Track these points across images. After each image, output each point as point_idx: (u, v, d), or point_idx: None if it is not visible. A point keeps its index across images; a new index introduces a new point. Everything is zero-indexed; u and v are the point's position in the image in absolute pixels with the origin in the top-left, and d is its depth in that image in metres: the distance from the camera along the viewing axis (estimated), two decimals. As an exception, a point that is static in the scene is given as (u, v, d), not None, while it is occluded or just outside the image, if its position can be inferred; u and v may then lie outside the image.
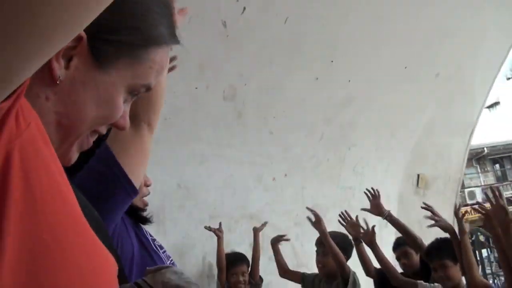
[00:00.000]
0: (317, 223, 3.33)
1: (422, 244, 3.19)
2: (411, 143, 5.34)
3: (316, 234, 3.61)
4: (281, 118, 4.23)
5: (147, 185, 1.50)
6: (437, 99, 5.29)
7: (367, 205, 3.49)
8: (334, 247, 3.22)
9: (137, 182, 1.22)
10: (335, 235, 3.40)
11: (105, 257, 0.55)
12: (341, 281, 3.32)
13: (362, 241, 3.37)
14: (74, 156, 0.64)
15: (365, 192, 3.50)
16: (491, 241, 5.38)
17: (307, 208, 3.46)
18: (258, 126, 4.16)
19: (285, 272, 3.75)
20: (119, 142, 1.20)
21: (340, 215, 3.50)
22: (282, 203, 4.50)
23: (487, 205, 2.58)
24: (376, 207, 3.38)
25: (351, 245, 3.44)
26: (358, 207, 4.73)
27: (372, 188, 3.49)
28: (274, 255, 3.79)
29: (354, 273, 3.34)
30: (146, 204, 1.51)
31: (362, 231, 3.35)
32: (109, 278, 0.53)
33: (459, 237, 2.68)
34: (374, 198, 3.43)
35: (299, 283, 3.70)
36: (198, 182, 3.88)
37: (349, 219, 3.45)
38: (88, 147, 0.66)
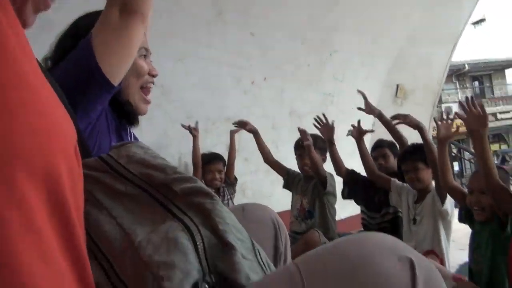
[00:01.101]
0: (305, 140, 3.42)
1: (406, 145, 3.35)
2: (393, 52, 5.35)
3: (292, 139, 3.71)
4: (262, 18, 4.16)
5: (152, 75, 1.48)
6: (422, 8, 5.24)
7: (345, 111, 3.58)
8: (313, 155, 3.39)
9: (115, 78, 1.21)
10: (315, 136, 3.56)
11: (61, 121, 0.54)
12: (317, 181, 3.48)
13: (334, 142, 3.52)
14: (31, 18, 0.60)
15: (358, 90, 3.58)
16: (462, 153, 5.56)
17: (298, 128, 3.51)
18: (239, 25, 4.10)
19: (270, 161, 3.87)
20: (104, 32, 1.18)
21: (315, 118, 3.57)
22: (260, 106, 4.53)
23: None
24: (368, 106, 3.48)
25: (322, 147, 3.61)
26: (336, 113, 4.82)
27: (360, 91, 3.57)
28: (257, 142, 3.87)
29: (331, 175, 3.49)
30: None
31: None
32: (65, 145, 0.53)
33: (438, 143, 2.76)
34: (366, 98, 3.53)
35: (282, 175, 3.87)
36: (175, 81, 3.85)
37: (324, 122, 3.52)
38: (46, 7, 0.61)
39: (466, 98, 2.26)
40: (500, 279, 2.28)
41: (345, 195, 3.72)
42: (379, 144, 3.65)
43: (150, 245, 0.72)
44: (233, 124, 3.93)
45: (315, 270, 0.67)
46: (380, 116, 3.44)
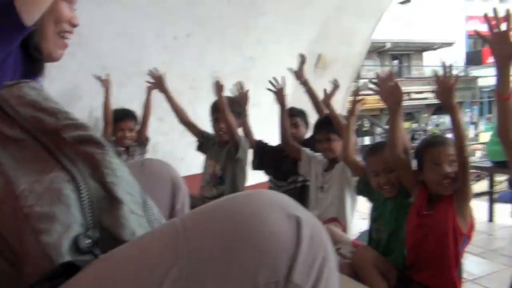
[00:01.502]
0: (218, 90, 3.41)
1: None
2: (319, 21, 5.38)
3: (211, 101, 3.66)
4: (191, -29, 4.04)
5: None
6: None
7: (268, 77, 3.54)
8: (228, 118, 3.37)
9: (29, 17, 1.10)
10: (232, 99, 3.55)
11: None
12: (231, 146, 3.47)
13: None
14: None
15: (300, 54, 3.69)
16: (374, 128, 5.78)
17: (216, 82, 3.48)
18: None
19: (185, 122, 3.79)
20: None
21: (234, 85, 3.56)
22: (180, 64, 4.44)
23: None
24: (301, 70, 3.61)
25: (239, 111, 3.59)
26: (257, 78, 4.80)
27: (302, 55, 3.67)
28: (169, 101, 3.78)
29: (245, 139, 3.51)
30: None
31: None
32: None
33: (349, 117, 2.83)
34: (302, 63, 3.64)
35: (197, 137, 3.82)
36: (92, 29, 3.66)
37: (242, 90, 3.56)
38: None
39: (379, 73, 2.32)
40: (398, 245, 2.43)
41: (255, 166, 3.74)
42: (291, 113, 3.65)
43: (33, 195, 0.68)
44: (148, 74, 3.80)
45: (200, 225, 0.66)
46: (305, 83, 3.53)
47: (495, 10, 1.78)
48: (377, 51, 25.63)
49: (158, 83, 3.75)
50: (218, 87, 3.42)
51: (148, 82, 3.83)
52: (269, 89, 3.47)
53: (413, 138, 24.80)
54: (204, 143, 3.78)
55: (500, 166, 4.37)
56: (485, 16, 1.85)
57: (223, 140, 3.60)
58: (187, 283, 0.60)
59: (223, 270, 0.60)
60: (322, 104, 3.32)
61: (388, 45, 25.10)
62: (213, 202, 0.71)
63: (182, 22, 4.35)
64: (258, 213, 0.64)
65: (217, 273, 0.60)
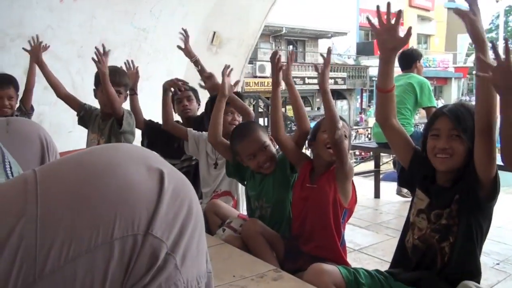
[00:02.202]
0: (100, 62, 3.18)
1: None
2: (213, -3, 5.41)
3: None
4: None
5: None
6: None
7: (160, 50, 3.50)
8: (109, 90, 3.19)
9: None
10: (119, 71, 3.40)
11: None
12: (114, 120, 3.36)
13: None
14: None
15: (181, 33, 3.48)
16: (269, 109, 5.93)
17: (96, 48, 3.23)
18: None
19: (63, 95, 3.55)
20: None
21: (125, 62, 3.48)
22: (67, 30, 4.26)
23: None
24: (187, 48, 3.45)
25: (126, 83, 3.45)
26: (149, 51, 4.76)
27: (184, 30, 3.50)
28: (43, 73, 3.54)
29: (128, 111, 3.40)
30: None
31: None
32: None
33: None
34: (187, 41, 3.47)
35: (77, 111, 3.61)
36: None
37: (132, 67, 3.48)
38: None
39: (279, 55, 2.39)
40: (283, 218, 2.57)
41: (145, 146, 3.61)
42: (185, 88, 3.57)
43: None
44: (28, 41, 3.54)
45: (52, 175, 0.63)
46: (196, 63, 3.42)
47: (388, 4, 1.92)
48: (273, 35, 26.14)
49: (34, 53, 3.50)
50: (99, 56, 3.19)
51: (25, 49, 3.57)
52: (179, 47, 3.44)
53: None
54: (85, 116, 3.58)
55: (384, 146, 4.70)
56: (377, 8, 1.99)
57: (106, 113, 3.42)
58: (37, 232, 0.58)
59: (74, 220, 0.58)
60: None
61: (284, 30, 25.70)
62: (71, 155, 0.68)
63: (70, -17, 4.18)
64: (115, 163, 0.62)
65: (68, 222, 0.58)
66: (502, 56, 1.57)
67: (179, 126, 3.41)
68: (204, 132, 3.31)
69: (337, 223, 2.26)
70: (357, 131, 21.07)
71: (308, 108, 27.49)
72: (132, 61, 3.49)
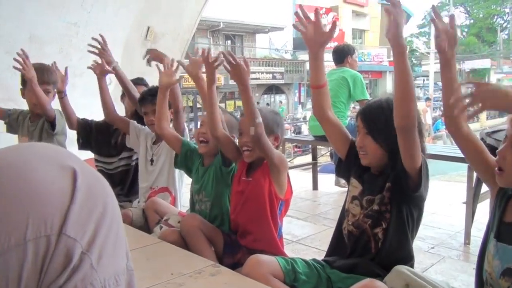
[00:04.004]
0: (24, 69, 3.08)
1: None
2: (146, -9, 5.33)
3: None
4: None
5: None
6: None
7: (90, 43, 3.35)
8: (39, 93, 3.11)
9: None
10: (46, 68, 3.28)
11: None
12: (45, 121, 3.27)
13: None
14: None
15: (93, 38, 3.24)
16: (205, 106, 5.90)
17: (22, 50, 3.13)
18: None
19: None
20: None
21: (53, 64, 3.30)
22: (-8, 24, 4.09)
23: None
24: (103, 54, 3.22)
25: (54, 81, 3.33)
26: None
27: (101, 36, 3.27)
28: None
29: (59, 112, 3.32)
30: None
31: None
32: None
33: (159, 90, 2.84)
34: (102, 46, 3.23)
35: (3, 119, 3.49)
36: None
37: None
38: None
39: (226, 53, 2.35)
40: (221, 212, 2.59)
41: (80, 146, 3.57)
42: (137, 82, 3.55)
43: None
44: None
45: None
46: (115, 69, 3.24)
47: (300, 6, 1.99)
48: (211, 30, 26.06)
49: None
50: (21, 61, 3.09)
51: None
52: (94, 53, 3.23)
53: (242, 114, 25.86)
54: (12, 122, 3.47)
55: (320, 139, 4.79)
56: (296, 13, 2.03)
57: (36, 113, 3.33)
58: None
59: None
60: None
61: (222, 25, 25.69)
62: None
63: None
64: (25, 161, 0.61)
65: None
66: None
67: (121, 118, 3.36)
68: (146, 127, 3.29)
69: (273, 215, 2.30)
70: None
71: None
72: (54, 62, 3.32)
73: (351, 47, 5.09)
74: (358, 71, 4.92)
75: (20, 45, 3.99)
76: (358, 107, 5.10)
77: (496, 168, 1.56)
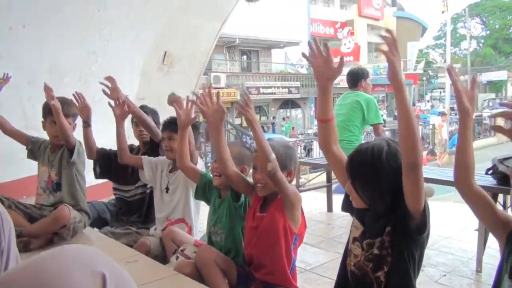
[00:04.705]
0: (51, 99, 3.16)
1: (156, 129, 3.46)
2: (163, 18, 5.44)
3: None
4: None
5: None
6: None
7: (111, 73, 3.41)
8: (63, 122, 3.19)
9: None
10: (67, 101, 3.35)
11: None
12: (65, 150, 3.36)
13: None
14: None
15: (105, 78, 3.31)
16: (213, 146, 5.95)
17: (45, 84, 3.19)
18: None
19: (8, 131, 3.52)
20: None
21: (73, 95, 3.37)
22: (16, 56, 4.22)
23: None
24: (114, 91, 3.29)
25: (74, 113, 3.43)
26: (99, 74, 4.74)
27: (109, 77, 3.33)
28: None
29: (79, 142, 3.40)
30: None
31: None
32: None
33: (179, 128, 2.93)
34: (113, 83, 3.31)
35: (25, 144, 3.57)
36: None
37: (82, 100, 3.37)
38: None
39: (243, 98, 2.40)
40: (235, 245, 2.63)
41: (97, 175, 3.66)
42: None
43: None
44: None
45: (10, 282, 0.67)
46: (127, 102, 3.29)
47: (315, 39, 2.02)
48: (227, 46, 26.29)
49: None
50: (46, 89, 3.18)
51: None
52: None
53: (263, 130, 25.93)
54: (33, 149, 3.55)
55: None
56: (309, 43, 2.08)
57: (56, 144, 3.42)
58: None
59: None
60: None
61: (238, 41, 25.90)
62: (24, 263, 0.72)
63: (18, 12, 4.15)
64: (62, 270, 0.66)
65: None
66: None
67: (133, 158, 3.44)
68: (160, 157, 3.38)
69: (288, 249, 2.34)
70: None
71: (264, 118, 27.76)
72: (80, 94, 3.40)
73: (365, 71, 5.13)
74: (374, 85, 4.93)
75: (40, 75, 4.14)
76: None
77: None
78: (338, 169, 2.12)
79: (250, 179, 2.55)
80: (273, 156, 2.22)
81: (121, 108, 3.27)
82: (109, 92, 3.29)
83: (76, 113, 3.42)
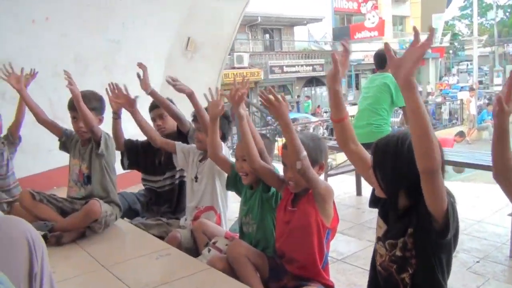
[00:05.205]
0: (69, 85, 3.15)
1: (184, 119, 3.44)
2: (185, 3, 5.40)
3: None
4: None
5: None
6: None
7: (133, 59, 3.40)
8: (84, 111, 3.16)
9: None
10: (86, 95, 3.31)
11: None
12: (94, 143, 3.36)
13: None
14: None
15: (138, 63, 3.32)
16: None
17: (64, 71, 3.20)
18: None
19: (43, 121, 3.51)
20: None
21: (107, 87, 3.33)
22: (40, 49, 4.24)
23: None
24: (144, 82, 3.29)
25: (102, 105, 3.43)
26: (123, 62, 4.76)
27: (141, 63, 3.31)
28: (24, 99, 3.50)
29: (107, 134, 3.39)
30: None
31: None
32: None
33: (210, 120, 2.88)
34: (144, 72, 3.31)
35: (58, 136, 3.57)
36: None
37: (116, 90, 3.33)
38: None
39: (267, 91, 2.36)
40: (266, 236, 2.62)
41: (125, 166, 3.68)
42: (156, 104, 3.56)
43: None
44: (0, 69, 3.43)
45: None
46: (152, 94, 3.33)
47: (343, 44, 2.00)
48: (249, 24, 26.08)
49: (13, 80, 3.40)
50: (66, 74, 3.17)
51: (2, 78, 3.46)
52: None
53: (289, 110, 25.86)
54: (66, 142, 3.56)
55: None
56: (342, 43, 2.01)
57: (84, 139, 3.43)
58: None
59: None
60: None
61: (260, 20, 25.66)
62: None
63: (40, 4, 4.16)
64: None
65: None
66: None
67: (167, 142, 3.42)
68: (193, 145, 3.38)
69: (320, 244, 2.31)
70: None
71: (288, 96, 27.63)
72: (117, 84, 3.35)
73: (393, 51, 5.01)
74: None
75: (65, 66, 4.12)
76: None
77: None
78: (360, 165, 2.08)
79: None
80: (304, 153, 2.18)
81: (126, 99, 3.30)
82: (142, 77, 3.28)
83: (98, 107, 3.38)
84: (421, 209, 1.71)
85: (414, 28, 1.57)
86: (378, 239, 1.95)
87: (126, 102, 3.32)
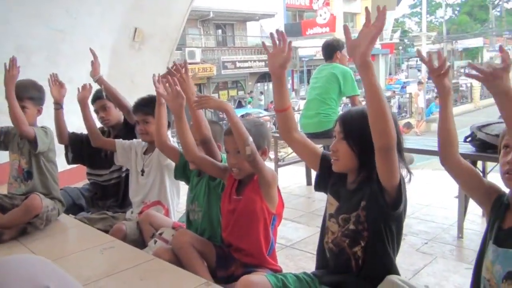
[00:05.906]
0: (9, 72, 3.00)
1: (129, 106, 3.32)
2: (132, -7, 5.29)
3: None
4: None
5: None
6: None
7: (80, 51, 3.35)
8: (11, 100, 3.00)
9: None
10: (25, 83, 3.18)
11: None
12: (30, 144, 3.20)
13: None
14: None
15: (90, 49, 3.27)
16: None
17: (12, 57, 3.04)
18: None
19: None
20: None
21: (49, 78, 3.27)
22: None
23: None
24: (95, 68, 3.27)
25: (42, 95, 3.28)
26: (68, 52, 4.61)
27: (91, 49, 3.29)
28: None
29: (43, 128, 3.24)
30: None
31: None
32: None
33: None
34: (95, 59, 3.29)
35: None
36: None
37: (55, 81, 3.29)
38: None
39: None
40: (213, 224, 2.58)
41: (70, 160, 3.58)
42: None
43: None
44: None
45: None
46: (99, 81, 3.32)
47: (277, 30, 1.99)
48: (201, 19, 25.92)
49: None
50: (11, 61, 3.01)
51: None
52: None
53: (240, 105, 25.90)
54: (5, 139, 3.35)
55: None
56: (271, 34, 2.00)
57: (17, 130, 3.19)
58: None
59: None
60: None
61: (212, 14, 25.53)
62: None
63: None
64: (2, 285, 0.62)
65: None
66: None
67: (106, 141, 3.37)
68: (134, 140, 3.30)
69: (266, 231, 2.30)
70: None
71: (241, 92, 27.64)
72: (56, 74, 3.30)
73: (340, 42, 5.03)
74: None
75: (6, 56, 3.94)
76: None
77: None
78: (304, 151, 2.12)
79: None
80: (251, 139, 2.16)
81: (85, 91, 3.26)
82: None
83: (37, 97, 3.24)
84: (374, 183, 1.77)
85: (366, 9, 1.61)
86: (330, 216, 1.97)
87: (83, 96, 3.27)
